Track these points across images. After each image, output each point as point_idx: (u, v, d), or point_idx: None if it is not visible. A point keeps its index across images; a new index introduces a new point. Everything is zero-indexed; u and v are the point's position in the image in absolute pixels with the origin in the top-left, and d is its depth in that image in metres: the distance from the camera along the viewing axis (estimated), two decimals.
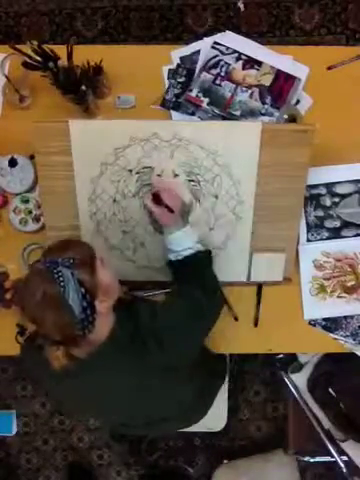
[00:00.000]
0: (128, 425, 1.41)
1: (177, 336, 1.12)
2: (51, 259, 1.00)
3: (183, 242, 1.21)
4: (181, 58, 1.46)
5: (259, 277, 1.39)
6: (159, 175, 1.29)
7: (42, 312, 0.96)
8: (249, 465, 1.89)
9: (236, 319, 1.41)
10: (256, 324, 1.42)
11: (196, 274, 1.20)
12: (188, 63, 1.46)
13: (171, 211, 1.20)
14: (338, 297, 1.44)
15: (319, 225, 1.43)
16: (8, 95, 1.42)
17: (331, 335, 1.44)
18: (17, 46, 1.30)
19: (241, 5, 2.20)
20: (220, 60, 1.44)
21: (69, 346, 1.01)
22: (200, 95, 1.43)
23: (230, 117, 1.42)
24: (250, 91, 1.43)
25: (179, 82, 1.45)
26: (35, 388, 2.21)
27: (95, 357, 1.05)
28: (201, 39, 1.47)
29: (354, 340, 1.44)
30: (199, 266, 1.22)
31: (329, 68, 1.45)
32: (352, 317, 1.44)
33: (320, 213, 1.43)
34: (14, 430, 2.20)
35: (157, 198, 1.23)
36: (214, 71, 1.43)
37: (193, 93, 1.43)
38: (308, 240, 1.43)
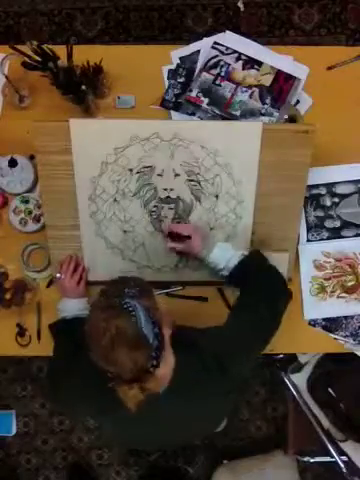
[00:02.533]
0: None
1: (240, 356, 1.09)
2: (116, 293, 0.96)
3: (223, 256, 1.23)
4: (181, 58, 1.46)
5: None
6: (160, 175, 1.29)
7: (117, 349, 0.91)
8: (249, 465, 1.89)
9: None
10: None
11: (254, 277, 1.19)
12: (188, 63, 1.46)
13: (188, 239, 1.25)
14: (338, 297, 1.44)
15: (319, 225, 1.43)
16: (8, 95, 1.41)
17: (331, 335, 1.44)
18: (17, 46, 1.31)
19: (241, 5, 2.20)
20: (220, 60, 1.44)
21: (142, 383, 0.96)
22: (200, 95, 1.43)
23: (230, 117, 1.42)
24: (250, 91, 1.43)
25: (179, 82, 1.45)
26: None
27: (167, 392, 1.02)
28: (201, 39, 1.47)
29: (354, 340, 1.44)
30: (253, 268, 1.22)
31: (329, 68, 1.45)
32: (352, 317, 1.44)
33: (320, 213, 1.43)
34: (14, 430, 2.20)
35: (174, 237, 1.28)
36: (214, 71, 1.43)
37: (193, 93, 1.43)
38: (308, 240, 1.43)
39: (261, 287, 1.18)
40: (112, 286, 1.01)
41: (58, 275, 1.33)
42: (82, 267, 1.35)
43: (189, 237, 1.25)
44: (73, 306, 1.29)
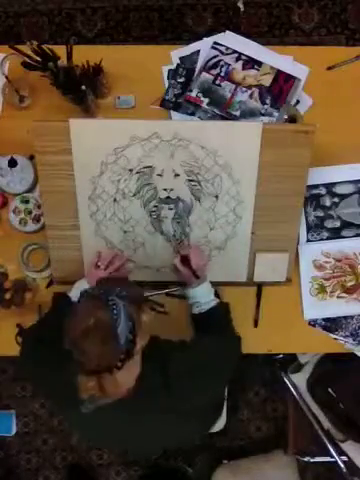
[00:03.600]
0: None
1: (194, 382, 1.12)
2: (107, 288, 1.01)
3: (206, 295, 1.28)
4: (181, 58, 1.46)
5: (262, 277, 1.39)
6: (159, 175, 1.29)
7: (89, 338, 0.94)
8: (249, 465, 1.89)
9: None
10: (256, 325, 1.42)
11: (219, 324, 1.25)
12: (188, 63, 1.46)
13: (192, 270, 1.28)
14: (338, 297, 1.44)
15: (319, 225, 1.43)
16: (8, 95, 1.41)
17: (331, 335, 1.44)
18: (17, 46, 1.31)
19: (241, 5, 2.20)
20: (220, 60, 1.44)
21: (101, 378, 0.98)
22: (200, 95, 1.43)
23: (230, 117, 1.42)
24: (250, 91, 1.43)
25: (179, 82, 1.45)
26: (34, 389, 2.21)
27: (125, 398, 1.04)
28: (201, 39, 1.47)
29: (354, 340, 1.44)
30: (222, 317, 1.28)
31: (329, 68, 1.45)
32: (352, 317, 1.44)
33: (320, 213, 1.43)
34: (14, 430, 2.20)
35: (184, 261, 1.30)
36: (214, 71, 1.43)
37: (193, 93, 1.43)
38: (308, 240, 1.43)
39: (223, 332, 1.24)
40: (109, 281, 1.06)
41: (97, 263, 1.32)
42: (120, 265, 1.34)
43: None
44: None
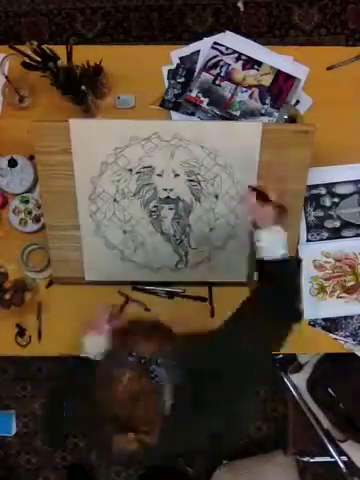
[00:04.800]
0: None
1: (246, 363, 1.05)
2: (145, 356, 0.93)
3: (280, 242, 1.15)
4: (181, 58, 1.46)
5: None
6: (159, 175, 1.29)
7: (135, 406, 0.90)
8: (249, 465, 1.89)
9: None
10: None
11: (285, 284, 1.14)
12: (188, 63, 1.46)
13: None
14: (338, 297, 1.44)
15: (319, 225, 1.43)
16: (8, 95, 1.41)
17: (331, 335, 1.44)
18: (17, 46, 1.31)
19: (241, 5, 2.20)
20: (220, 60, 1.44)
21: (140, 434, 0.94)
22: (200, 95, 1.43)
23: (230, 117, 1.42)
24: (250, 91, 1.43)
25: (179, 82, 1.45)
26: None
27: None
28: (201, 39, 1.47)
29: (354, 340, 1.44)
30: (291, 276, 1.17)
31: (329, 68, 1.45)
32: (352, 317, 1.44)
33: (320, 213, 1.43)
34: (14, 430, 2.20)
35: (259, 195, 1.18)
36: (214, 71, 1.43)
37: (193, 93, 1.43)
38: (308, 240, 1.43)
39: (279, 297, 1.12)
40: (137, 335, 0.98)
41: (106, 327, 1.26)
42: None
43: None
44: (99, 343, 1.19)
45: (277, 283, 1.13)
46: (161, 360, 0.93)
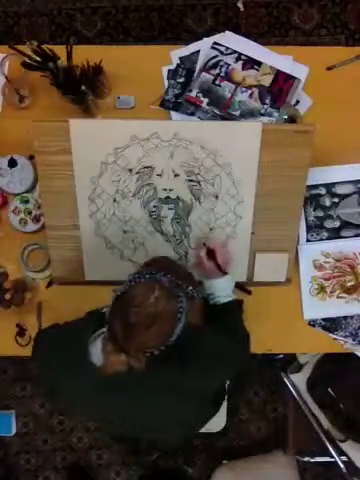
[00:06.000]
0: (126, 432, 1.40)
1: (205, 364, 1.10)
2: (175, 281, 0.99)
3: (225, 289, 1.27)
4: (181, 58, 1.46)
5: (262, 277, 1.39)
6: (159, 175, 1.29)
7: (151, 321, 0.93)
8: (248, 465, 1.89)
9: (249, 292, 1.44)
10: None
11: (230, 321, 1.25)
12: (188, 63, 1.46)
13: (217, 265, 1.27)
14: (338, 297, 1.44)
15: (319, 225, 1.43)
16: (8, 95, 1.41)
17: (331, 335, 1.44)
18: (17, 46, 1.31)
19: (241, 5, 2.20)
20: (220, 60, 1.44)
21: (130, 356, 0.97)
22: (200, 95, 1.43)
23: (230, 117, 1.42)
24: (250, 91, 1.43)
25: (179, 82, 1.45)
26: (35, 386, 2.21)
27: (139, 372, 1.02)
28: (201, 39, 1.47)
29: (354, 340, 1.44)
30: (234, 313, 1.28)
31: (328, 68, 1.45)
32: (352, 317, 1.44)
33: (320, 213, 1.43)
34: (13, 430, 2.20)
35: (209, 254, 1.29)
36: (214, 71, 1.43)
37: (193, 93, 1.43)
38: (308, 240, 1.43)
39: (232, 329, 1.23)
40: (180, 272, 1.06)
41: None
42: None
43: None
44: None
45: (219, 320, 1.25)
46: (191, 289, 0.98)
